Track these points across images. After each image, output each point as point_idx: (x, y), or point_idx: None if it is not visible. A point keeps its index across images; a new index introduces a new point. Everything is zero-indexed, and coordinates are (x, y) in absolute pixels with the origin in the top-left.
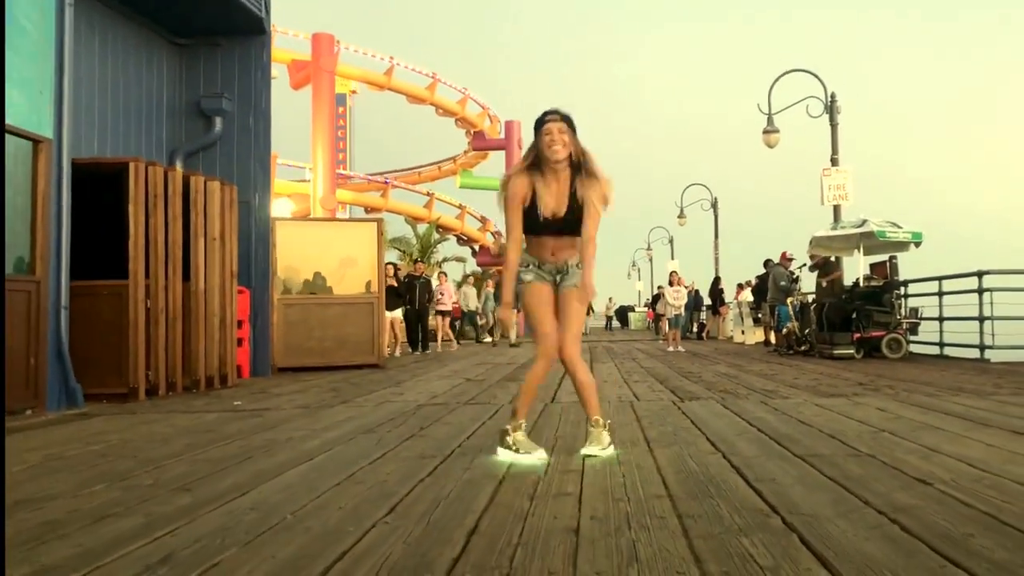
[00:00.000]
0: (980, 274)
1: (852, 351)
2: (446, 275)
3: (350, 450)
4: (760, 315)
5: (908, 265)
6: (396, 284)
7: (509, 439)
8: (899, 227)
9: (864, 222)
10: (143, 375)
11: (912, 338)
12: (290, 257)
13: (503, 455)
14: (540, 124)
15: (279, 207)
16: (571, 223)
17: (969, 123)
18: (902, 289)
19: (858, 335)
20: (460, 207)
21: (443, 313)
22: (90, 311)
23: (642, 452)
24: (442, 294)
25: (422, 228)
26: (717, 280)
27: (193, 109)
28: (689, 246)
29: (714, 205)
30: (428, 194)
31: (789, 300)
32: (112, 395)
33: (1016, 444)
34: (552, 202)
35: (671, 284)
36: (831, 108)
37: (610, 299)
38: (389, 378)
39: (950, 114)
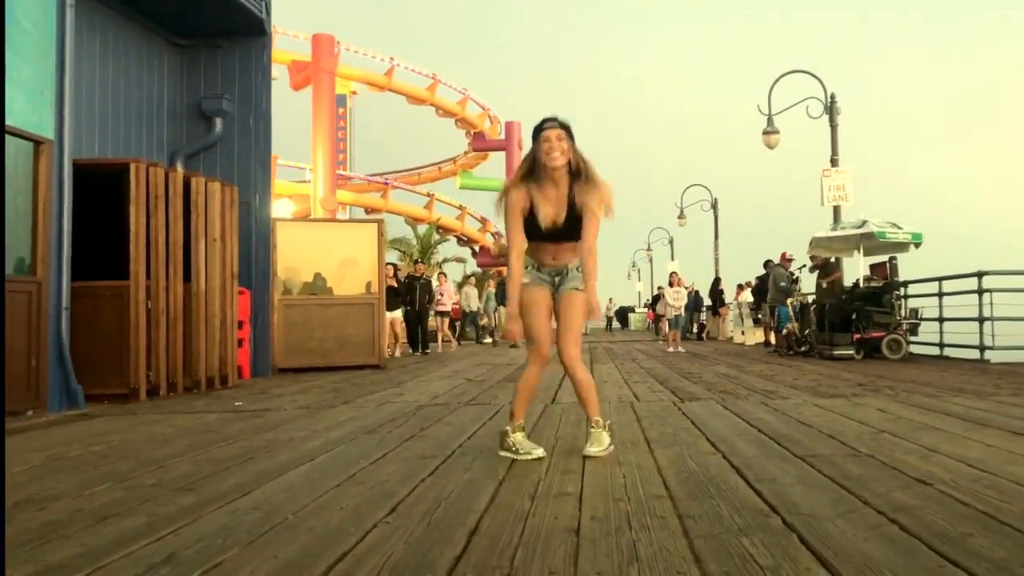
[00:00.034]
0: (980, 275)
1: (852, 352)
2: (445, 276)
3: (351, 450)
4: (760, 316)
5: (908, 266)
6: (396, 284)
7: (509, 440)
8: (899, 228)
9: (864, 223)
10: (144, 376)
11: (912, 339)
12: (291, 258)
13: (503, 456)
14: (538, 131)
15: (279, 208)
16: (571, 230)
17: (970, 124)
18: (902, 290)
19: (858, 336)
20: (460, 208)
21: (442, 314)
22: (91, 312)
23: (642, 452)
24: (442, 294)
25: (422, 229)
26: (717, 281)
27: (194, 110)
28: (689, 247)
29: (714, 206)
30: (428, 195)
31: (789, 301)
32: (113, 396)
33: (1015, 444)
34: (551, 211)
35: (671, 285)
36: (831, 109)
37: (610, 300)
38: (390, 379)
39: (951, 115)
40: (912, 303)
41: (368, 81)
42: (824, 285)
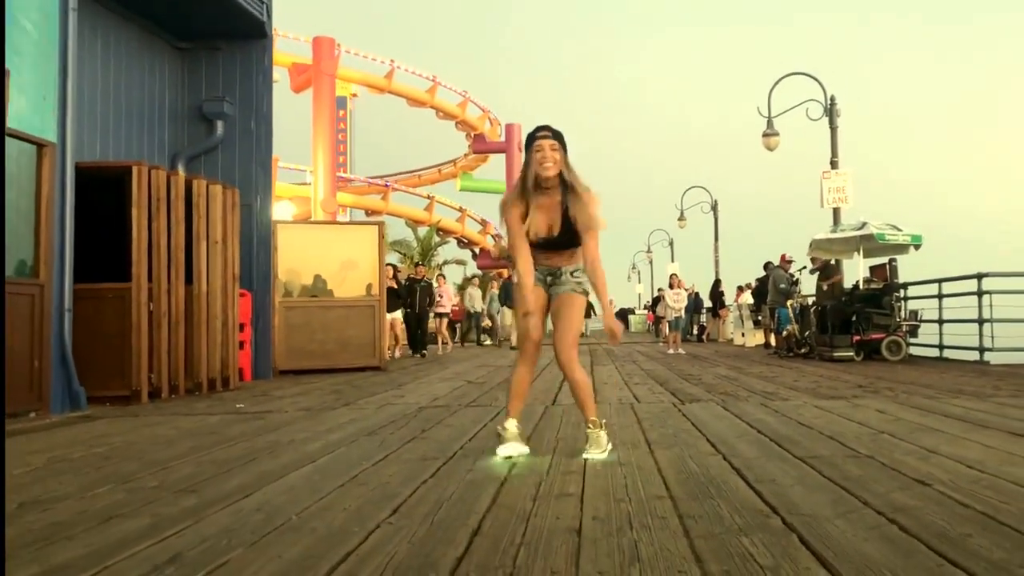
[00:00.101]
0: (979, 276)
1: (852, 353)
2: (444, 277)
3: (353, 452)
4: (760, 317)
5: (908, 267)
6: (396, 286)
7: (503, 435)
8: (899, 230)
9: (864, 225)
10: (146, 378)
11: (912, 340)
12: (291, 260)
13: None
14: (531, 140)
15: (280, 210)
16: (566, 240)
17: (970, 126)
18: (902, 292)
19: (858, 337)
20: (460, 210)
21: (441, 315)
22: (93, 314)
23: (643, 453)
24: (441, 296)
25: (423, 231)
26: (717, 282)
27: (195, 113)
28: (689, 248)
29: (714, 208)
30: (428, 197)
31: (789, 302)
32: (115, 398)
33: (1014, 445)
34: (545, 220)
35: (671, 286)
36: (831, 111)
37: (610, 301)
38: (390, 380)
39: (951, 117)
40: (912, 305)
41: (368, 83)
42: (825, 287)
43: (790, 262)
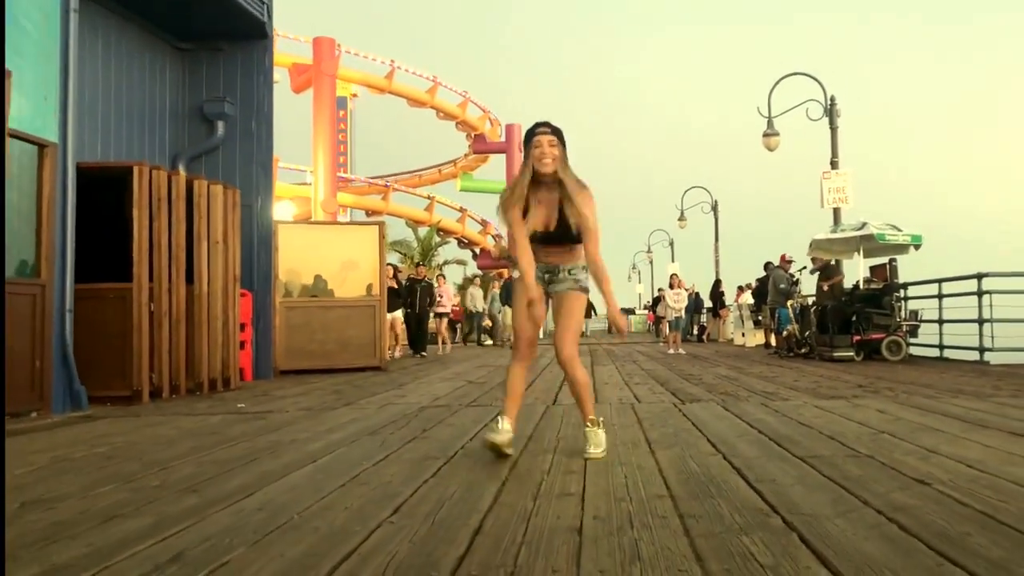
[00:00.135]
0: (979, 276)
1: (852, 353)
2: (444, 277)
3: (354, 452)
4: (760, 317)
5: (908, 267)
6: (396, 286)
7: (493, 431)
8: (899, 230)
9: (864, 225)
10: (147, 378)
11: (912, 340)
12: (292, 260)
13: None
14: (530, 136)
15: (281, 210)
16: (562, 235)
17: (970, 126)
18: (902, 292)
19: (858, 337)
20: (461, 210)
21: (441, 315)
22: (94, 314)
23: (643, 453)
24: (441, 296)
25: (423, 231)
26: (717, 283)
27: (196, 113)
28: (689, 249)
29: (714, 208)
30: (429, 197)
31: (789, 303)
32: (116, 398)
33: (1014, 445)
34: (543, 214)
35: (671, 287)
36: (831, 111)
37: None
38: (391, 380)
39: (951, 117)
40: (912, 305)
41: (369, 84)
42: (825, 288)
43: (790, 262)
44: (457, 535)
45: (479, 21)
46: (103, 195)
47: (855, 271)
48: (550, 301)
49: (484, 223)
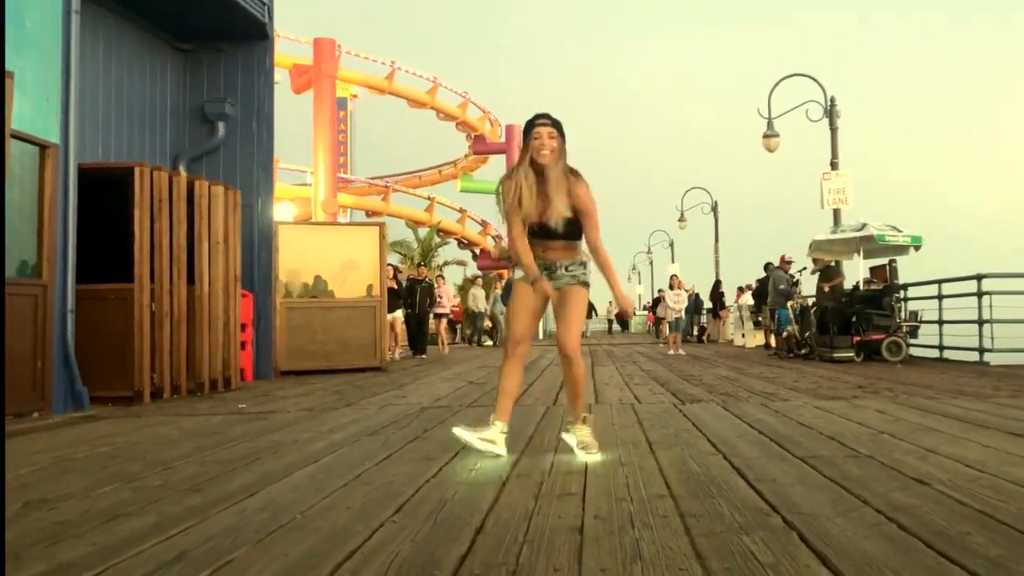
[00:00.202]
0: (979, 277)
1: (852, 354)
2: (444, 278)
3: (355, 452)
4: (760, 318)
5: (908, 268)
6: (396, 286)
7: (487, 431)
8: (899, 231)
9: (864, 226)
10: (148, 378)
11: (912, 341)
12: (292, 261)
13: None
14: (530, 127)
15: (281, 211)
16: (556, 228)
17: (970, 126)
18: (902, 292)
19: (858, 338)
20: (461, 211)
21: (441, 315)
22: (96, 315)
23: (644, 453)
24: (440, 297)
25: (423, 232)
26: (717, 283)
27: (197, 114)
28: (689, 250)
29: (714, 209)
30: (429, 198)
31: (789, 303)
32: (117, 398)
33: (1013, 445)
34: (539, 207)
35: (671, 288)
36: (831, 112)
37: (610, 303)
38: (392, 381)
39: (951, 117)
40: (912, 306)
41: (369, 84)
42: (826, 289)
43: (790, 263)
44: (459, 534)
45: (479, 21)
46: (104, 196)
47: (855, 272)
48: (550, 298)
49: (484, 224)
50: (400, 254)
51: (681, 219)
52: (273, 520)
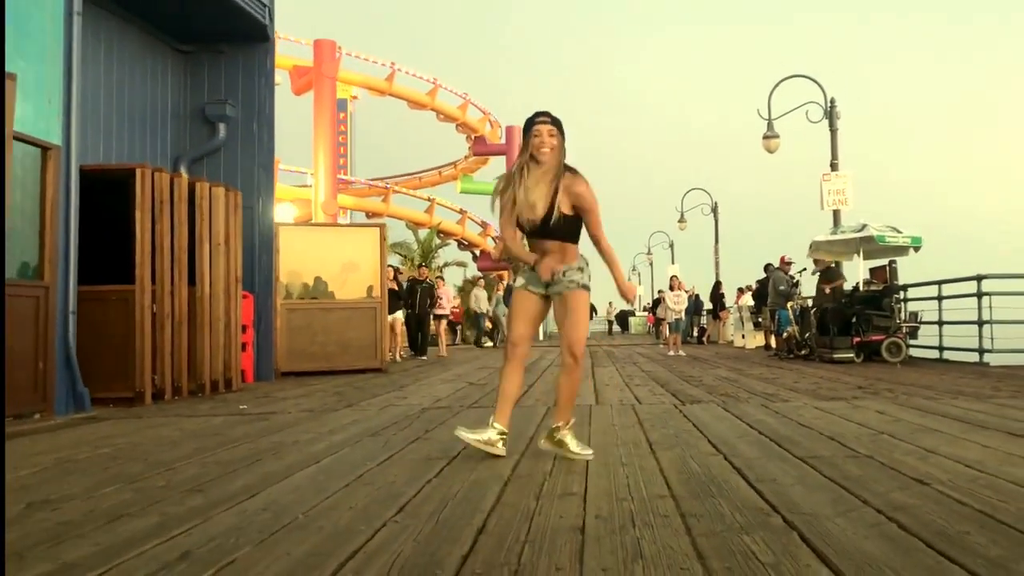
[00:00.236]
0: (979, 278)
1: (852, 355)
2: (443, 279)
3: (357, 452)
4: (760, 319)
5: (908, 268)
6: (396, 287)
7: (486, 433)
8: (899, 232)
9: (864, 227)
10: (149, 379)
11: (912, 342)
12: (293, 262)
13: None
14: (530, 125)
15: (282, 212)
16: (554, 228)
17: (971, 126)
18: (902, 293)
19: (858, 339)
20: (461, 212)
21: (440, 317)
22: (97, 316)
23: (645, 454)
24: (440, 297)
25: (423, 233)
26: (718, 284)
27: (197, 115)
28: (689, 250)
29: (714, 209)
30: (429, 199)
31: (789, 304)
32: (118, 399)
33: (1013, 445)
34: (535, 205)
35: (672, 288)
36: (831, 114)
37: (610, 303)
38: (392, 382)
39: (951, 117)
40: (912, 306)
41: (369, 86)
42: (827, 291)
43: (790, 264)
44: (461, 534)
45: (479, 21)
46: (106, 197)
47: (855, 273)
48: (551, 303)
49: (484, 225)
50: (400, 255)
51: (681, 220)
52: (275, 520)
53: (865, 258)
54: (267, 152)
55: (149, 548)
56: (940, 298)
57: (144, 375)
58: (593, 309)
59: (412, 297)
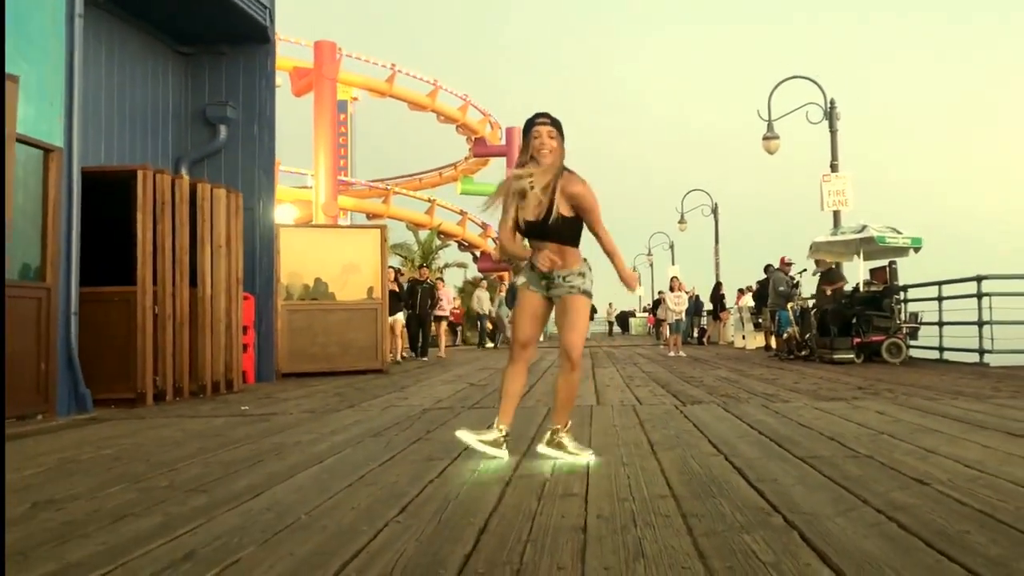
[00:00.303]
0: (979, 279)
1: (852, 356)
2: (443, 280)
3: (359, 453)
4: (761, 320)
5: (909, 268)
6: (397, 289)
7: (488, 435)
8: (899, 233)
9: (864, 228)
10: (151, 380)
11: (912, 342)
12: (294, 263)
13: (466, 437)
14: (529, 126)
15: (283, 213)
16: (552, 230)
17: (971, 126)
18: (902, 294)
19: (858, 340)
20: (461, 213)
21: (440, 318)
22: (99, 317)
23: (646, 454)
24: (440, 299)
25: (424, 234)
26: (718, 285)
27: (198, 117)
28: (690, 251)
29: (714, 210)
30: (429, 200)
31: (789, 305)
32: (120, 400)
33: (1012, 446)
34: (534, 205)
35: (672, 289)
36: (830, 115)
37: (610, 304)
38: (393, 383)
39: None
40: (912, 307)
41: (369, 87)
42: (828, 292)
43: (790, 264)
44: (463, 534)
45: (479, 21)
46: (107, 199)
47: (855, 273)
48: (553, 306)
49: (484, 226)
50: (401, 256)
51: (681, 221)
52: (279, 520)
53: (865, 259)
54: (268, 153)
55: (154, 548)
56: (940, 299)
57: (146, 376)
58: (593, 310)
59: (413, 297)
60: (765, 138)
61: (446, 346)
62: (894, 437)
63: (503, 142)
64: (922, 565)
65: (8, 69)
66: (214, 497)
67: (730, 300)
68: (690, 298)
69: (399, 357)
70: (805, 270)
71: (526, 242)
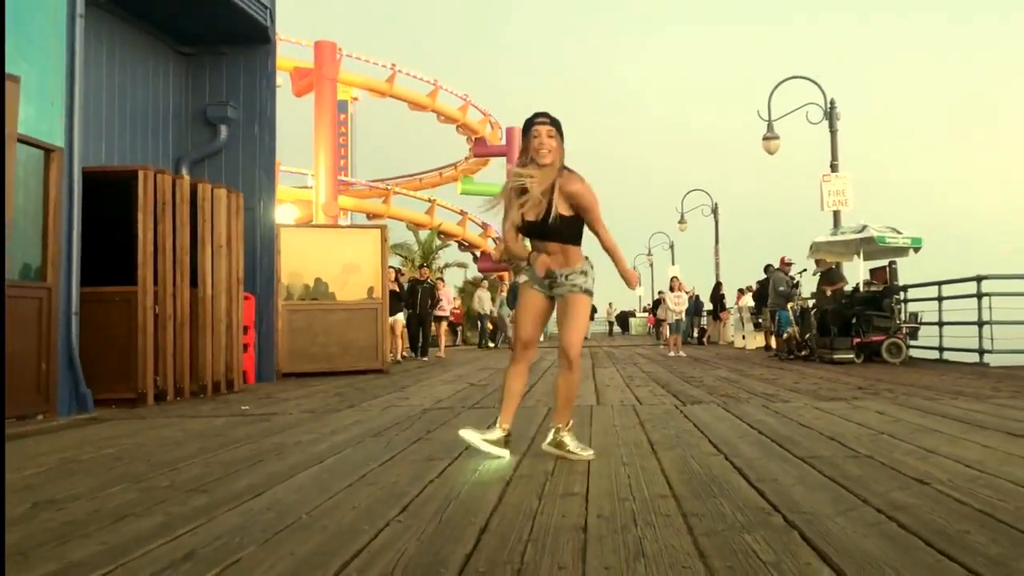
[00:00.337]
0: (979, 279)
1: (852, 356)
2: (443, 281)
3: (359, 453)
4: (761, 320)
5: (909, 268)
6: (398, 289)
7: (490, 435)
8: (899, 233)
9: (864, 227)
10: (151, 380)
11: (912, 343)
12: (294, 263)
13: (469, 436)
14: (529, 125)
15: (283, 213)
16: (552, 229)
17: (971, 126)
18: (902, 294)
19: (858, 340)
20: (462, 213)
21: (440, 318)
22: (100, 317)
23: (646, 454)
24: (440, 299)
25: (424, 234)
26: (718, 285)
27: (199, 117)
28: (690, 251)
29: (714, 211)
30: (430, 200)
31: (789, 305)
32: (121, 400)
33: (1012, 446)
34: (534, 205)
35: (672, 289)
36: (830, 115)
37: (610, 304)
38: (393, 383)
39: (951, 117)
40: (912, 307)
41: (370, 87)
42: (829, 293)
43: (790, 264)
44: (464, 533)
45: (479, 22)
46: (108, 199)
47: (855, 273)
48: (554, 305)
49: (485, 226)
50: (401, 256)
51: (681, 221)
52: (279, 520)
53: (865, 259)
54: (268, 154)
55: (154, 548)
56: (940, 299)
57: (146, 376)
58: (594, 310)
59: (413, 297)
60: (765, 138)
61: (446, 346)
62: (894, 437)
63: (503, 142)
64: (922, 565)
65: (9, 69)
66: (215, 497)
67: (730, 300)
68: (690, 298)
69: (399, 357)
70: (805, 270)
71: (527, 242)
